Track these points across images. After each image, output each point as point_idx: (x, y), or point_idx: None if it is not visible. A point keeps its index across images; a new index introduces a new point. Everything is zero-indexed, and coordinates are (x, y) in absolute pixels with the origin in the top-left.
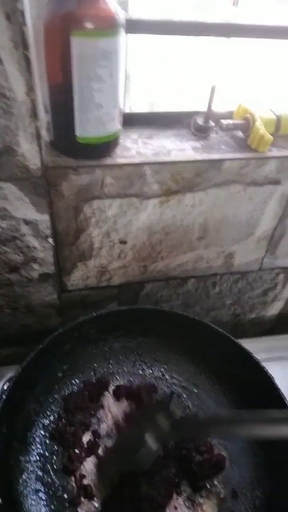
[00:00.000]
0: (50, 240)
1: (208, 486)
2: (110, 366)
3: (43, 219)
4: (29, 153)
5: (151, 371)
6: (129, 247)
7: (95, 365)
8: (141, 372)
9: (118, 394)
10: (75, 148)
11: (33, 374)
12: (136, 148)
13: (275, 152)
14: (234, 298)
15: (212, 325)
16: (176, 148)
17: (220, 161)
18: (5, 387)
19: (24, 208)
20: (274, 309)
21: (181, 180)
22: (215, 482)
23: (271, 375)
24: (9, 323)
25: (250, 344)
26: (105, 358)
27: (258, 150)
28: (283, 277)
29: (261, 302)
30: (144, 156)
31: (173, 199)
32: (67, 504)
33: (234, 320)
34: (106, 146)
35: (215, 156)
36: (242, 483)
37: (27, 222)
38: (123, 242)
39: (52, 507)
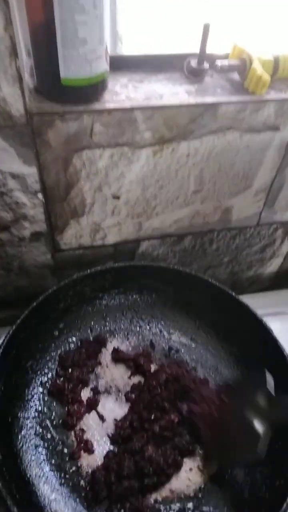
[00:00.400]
0: (40, 195)
1: None
2: (107, 324)
3: (30, 172)
4: (11, 97)
5: (148, 328)
6: (122, 202)
7: (92, 323)
8: (138, 329)
9: (116, 358)
10: (60, 92)
11: (28, 332)
12: (126, 92)
13: (273, 95)
14: (231, 255)
15: (209, 279)
16: (168, 92)
17: (215, 105)
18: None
19: (10, 161)
20: (272, 266)
21: (174, 126)
22: None
23: (269, 327)
24: (2, 285)
25: (248, 300)
26: (102, 316)
27: (255, 93)
28: (282, 232)
29: (259, 259)
30: (134, 101)
31: (167, 148)
32: (67, 458)
33: (232, 278)
34: (94, 89)
35: (210, 99)
36: None
37: (14, 176)
38: (116, 197)
39: (52, 461)
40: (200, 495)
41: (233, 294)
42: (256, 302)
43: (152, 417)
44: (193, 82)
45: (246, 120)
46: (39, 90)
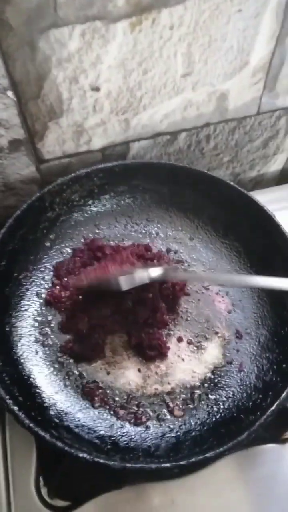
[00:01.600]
0: (10, 93)
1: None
2: (100, 232)
3: None
4: None
5: (144, 232)
6: (103, 94)
7: (84, 231)
8: (133, 234)
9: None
10: None
11: (16, 243)
12: None
13: None
14: (231, 154)
15: (205, 171)
16: None
17: None
18: None
19: None
20: (276, 164)
21: None
22: (219, 325)
23: (273, 215)
24: None
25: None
26: (94, 224)
27: None
28: (286, 120)
29: (262, 155)
30: None
31: (146, 19)
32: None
33: (234, 181)
34: None
35: None
36: (246, 324)
37: None
38: (95, 89)
39: (55, 365)
40: (206, 385)
41: (233, 184)
42: (260, 199)
43: None
44: None
45: None
46: None
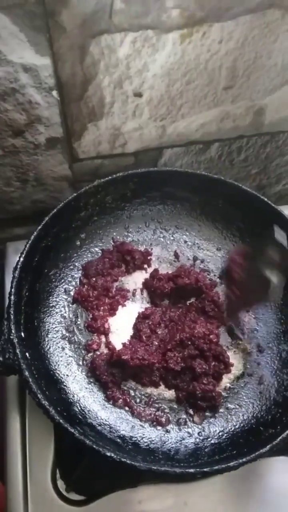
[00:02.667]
0: (54, 93)
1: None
2: (130, 235)
3: (44, 64)
4: None
5: (172, 238)
6: (145, 100)
7: (114, 233)
8: (162, 240)
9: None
10: None
11: (50, 240)
12: None
13: None
14: (260, 166)
15: (237, 184)
16: None
17: None
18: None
19: (20, 49)
20: None
21: (207, 2)
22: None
23: None
24: (19, 198)
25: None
26: (124, 227)
27: None
28: None
29: None
30: None
31: (197, 32)
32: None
33: (259, 193)
34: None
35: None
36: (268, 338)
37: (26, 69)
38: (138, 94)
39: (80, 362)
40: (225, 394)
41: (267, 200)
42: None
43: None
44: None
45: None
46: None
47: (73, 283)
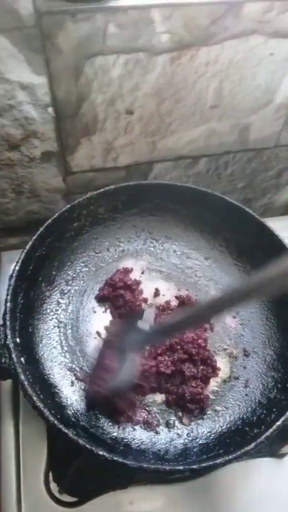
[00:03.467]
0: (50, 109)
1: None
2: (121, 245)
3: (40, 82)
4: None
5: (162, 248)
6: (136, 118)
7: (106, 243)
8: (152, 249)
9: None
10: None
11: (44, 250)
12: None
13: None
14: (246, 181)
15: (223, 196)
16: None
17: (240, 3)
18: (16, 268)
19: (19, 68)
20: (287, 193)
21: (194, 28)
22: (228, 342)
23: (284, 241)
24: (14, 209)
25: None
26: (116, 237)
27: None
28: None
29: (275, 185)
30: None
31: (186, 55)
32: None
33: (245, 206)
34: None
35: None
36: (253, 343)
37: (23, 87)
38: (129, 112)
39: (73, 366)
40: (213, 397)
41: (251, 212)
42: (272, 225)
43: None
44: None
45: (273, 23)
46: None
47: (66, 291)
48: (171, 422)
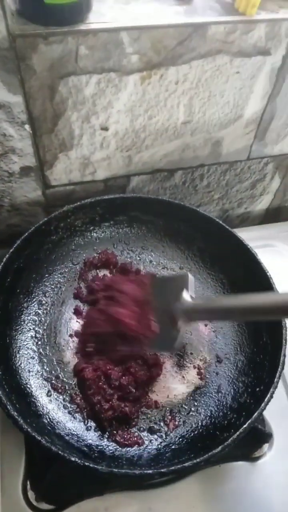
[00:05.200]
0: (27, 127)
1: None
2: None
3: (16, 101)
4: None
5: (138, 259)
6: (111, 134)
7: (84, 255)
8: (129, 260)
9: None
10: (43, 13)
11: (21, 262)
12: (112, 14)
13: (264, 15)
14: (222, 192)
15: (197, 209)
16: (156, 13)
17: (204, 26)
18: None
19: None
20: (262, 204)
21: (162, 49)
22: (201, 349)
23: (255, 253)
24: None
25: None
26: (93, 249)
27: (245, 13)
28: (272, 166)
29: (250, 195)
30: (120, 21)
31: (155, 74)
32: (62, 374)
33: (223, 216)
34: (78, 9)
35: (198, 19)
36: (226, 350)
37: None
38: (104, 128)
39: (49, 376)
40: (186, 403)
41: (222, 223)
42: (245, 236)
43: None
44: (182, 3)
45: (237, 43)
46: (22, 12)
47: (44, 302)
48: (145, 428)
